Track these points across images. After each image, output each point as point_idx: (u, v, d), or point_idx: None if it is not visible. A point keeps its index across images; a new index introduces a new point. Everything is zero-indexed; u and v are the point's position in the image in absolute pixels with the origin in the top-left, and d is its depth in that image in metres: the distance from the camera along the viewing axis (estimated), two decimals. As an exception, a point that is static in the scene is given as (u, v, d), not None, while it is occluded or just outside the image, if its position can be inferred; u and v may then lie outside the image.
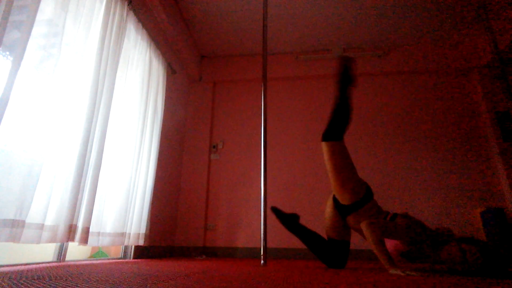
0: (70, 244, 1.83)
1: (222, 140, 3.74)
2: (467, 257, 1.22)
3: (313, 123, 3.67)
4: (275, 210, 1.87)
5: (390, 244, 1.67)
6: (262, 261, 1.78)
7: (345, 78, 1.74)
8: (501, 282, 0.94)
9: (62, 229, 1.53)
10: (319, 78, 3.86)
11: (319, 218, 3.29)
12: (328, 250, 1.69)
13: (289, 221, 1.83)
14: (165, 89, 2.98)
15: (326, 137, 1.65)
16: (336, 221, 1.68)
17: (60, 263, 1.63)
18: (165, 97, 3.00)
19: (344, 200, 1.59)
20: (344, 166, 1.59)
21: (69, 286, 0.74)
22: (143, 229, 2.41)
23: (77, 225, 1.64)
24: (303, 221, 3.28)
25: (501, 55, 3.23)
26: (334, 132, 1.64)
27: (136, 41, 2.49)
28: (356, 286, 0.82)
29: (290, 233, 3.26)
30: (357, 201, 1.56)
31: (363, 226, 1.46)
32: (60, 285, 0.76)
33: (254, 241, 3.27)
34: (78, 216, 1.63)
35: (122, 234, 2.15)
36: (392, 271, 1.31)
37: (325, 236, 3.22)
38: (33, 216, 1.39)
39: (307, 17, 3.37)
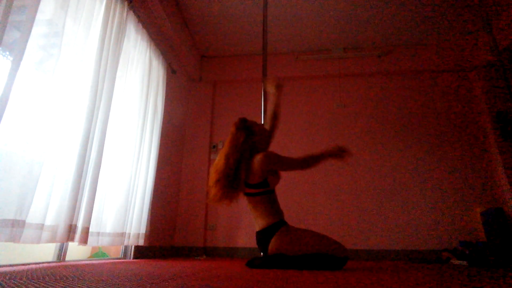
0: (70, 244, 1.83)
1: (222, 140, 3.73)
2: None
3: (313, 123, 3.67)
4: (251, 264, 1.60)
5: None
6: (262, 261, 1.77)
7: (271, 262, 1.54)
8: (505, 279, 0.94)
9: (62, 229, 1.53)
10: (319, 78, 3.86)
11: (319, 217, 3.29)
12: (316, 259, 1.49)
13: (274, 260, 1.54)
14: (165, 89, 2.97)
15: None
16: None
17: (60, 263, 1.63)
18: (165, 97, 3.00)
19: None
20: None
21: (69, 286, 0.74)
22: (143, 229, 2.41)
23: (77, 225, 1.63)
24: (303, 221, 3.27)
25: (501, 55, 3.23)
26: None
27: (136, 41, 2.49)
28: (357, 285, 0.82)
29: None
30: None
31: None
32: (60, 285, 0.76)
33: (254, 241, 3.25)
34: (78, 216, 1.63)
35: (122, 234, 2.15)
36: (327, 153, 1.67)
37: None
38: (33, 216, 1.38)
39: (307, 17, 3.37)
